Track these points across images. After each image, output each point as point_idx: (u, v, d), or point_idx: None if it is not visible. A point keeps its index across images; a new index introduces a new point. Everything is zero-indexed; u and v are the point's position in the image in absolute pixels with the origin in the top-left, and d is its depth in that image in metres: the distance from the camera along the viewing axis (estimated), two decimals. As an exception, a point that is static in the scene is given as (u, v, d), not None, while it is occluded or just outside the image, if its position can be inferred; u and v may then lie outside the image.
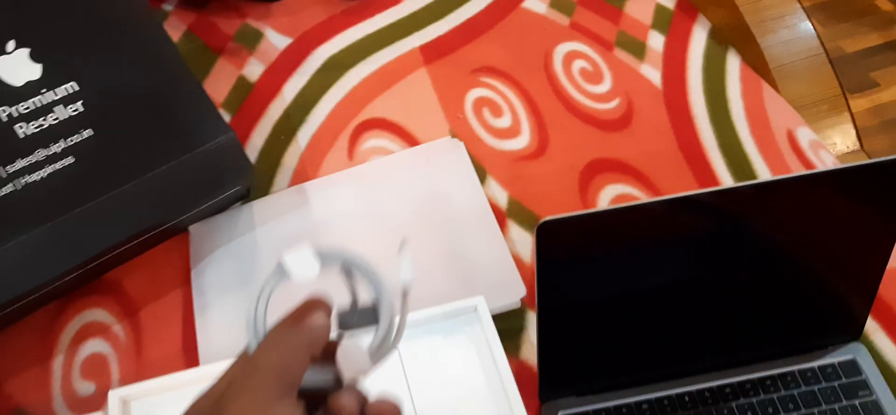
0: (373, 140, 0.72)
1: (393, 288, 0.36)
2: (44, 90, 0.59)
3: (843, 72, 1.73)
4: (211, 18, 0.83)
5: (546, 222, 0.46)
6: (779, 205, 0.50)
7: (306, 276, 0.34)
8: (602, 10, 0.84)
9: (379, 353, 0.35)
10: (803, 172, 0.49)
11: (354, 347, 0.34)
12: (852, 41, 1.81)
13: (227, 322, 0.60)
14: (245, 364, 0.32)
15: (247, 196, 0.67)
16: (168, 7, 0.84)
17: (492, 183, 0.69)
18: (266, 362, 0.31)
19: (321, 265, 0.35)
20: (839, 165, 0.50)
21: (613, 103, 0.76)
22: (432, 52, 0.80)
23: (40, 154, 0.57)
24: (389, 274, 0.36)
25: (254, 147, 0.72)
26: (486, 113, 0.75)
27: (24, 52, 0.59)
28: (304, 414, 0.31)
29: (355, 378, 0.34)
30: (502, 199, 0.68)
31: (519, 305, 0.61)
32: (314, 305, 0.34)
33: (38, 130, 0.58)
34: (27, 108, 0.58)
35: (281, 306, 0.35)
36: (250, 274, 0.63)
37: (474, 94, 0.76)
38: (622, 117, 0.74)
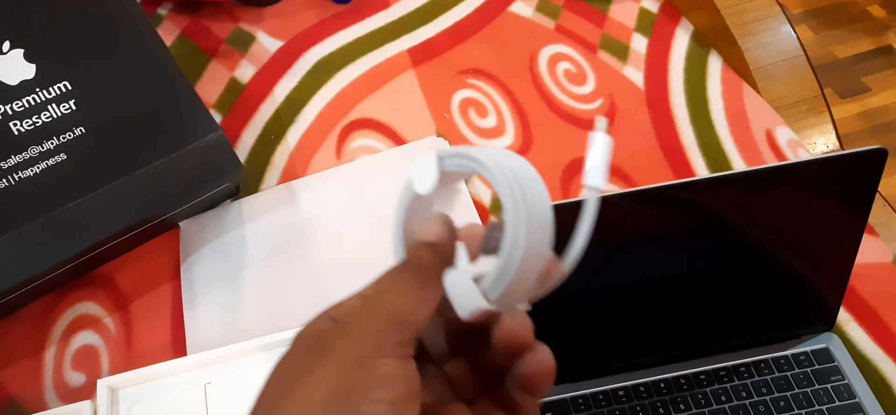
0: (360, 140, 0.74)
1: (532, 194, 0.28)
2: (38, 89, 0.61)
3: (834, 77, 1.76)
4: (204, 22, 0.85)
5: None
6: (751, 197, 0.51)
7: (428, 185, 0.30)
8: (587, 13, 0.86)
9: (497, 286, 0.28)
10: (774, 163, 0.50)
11: (462, 280, 0.29)
12: (844, 47, 1.83)
13: (214, 315, 0.61)
14: (365, 300, 0.29)
15: (236, 193, 0.69)
16: (162, 11, 0.86)
17: (476, 181, 0.71)
18: (382, 308, 0.28)
19: (441, 168, 0.30)
20: (808, 157, 0.51)
21: (596, 104, 0.77)
22: (420, 55, 0.82)
23: (34, 150, 0.59)
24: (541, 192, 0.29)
25: (244, 146, 0.74)
26: (472, 113, 0.76)
27: (19, 52, 0.61)
28: (412, 371, 0.27)
29: (471, 317, 0.29)
30: (486, 197, 0.70)
31: (500, 297, 0.62)
32: (441, 246, 0.30)
33: (32, 127, 0.60)
34: (21, 106, 0.60)
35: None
36: (238, 269, 0.64)
37: (461, 95, 0.78)
38: (605, 117, 0.76)
